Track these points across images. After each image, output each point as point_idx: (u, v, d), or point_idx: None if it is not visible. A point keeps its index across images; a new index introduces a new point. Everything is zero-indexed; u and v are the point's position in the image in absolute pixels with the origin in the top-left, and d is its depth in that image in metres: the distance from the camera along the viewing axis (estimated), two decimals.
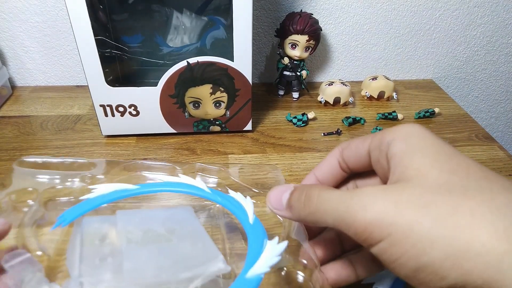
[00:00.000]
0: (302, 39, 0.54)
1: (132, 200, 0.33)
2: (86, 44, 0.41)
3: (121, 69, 0.51)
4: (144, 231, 0.28)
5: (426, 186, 0.19)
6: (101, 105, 0.46)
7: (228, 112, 0.49)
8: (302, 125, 0.54)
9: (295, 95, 0.61)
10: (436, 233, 0.17)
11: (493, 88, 0.76)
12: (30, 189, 0.30)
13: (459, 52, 0.69)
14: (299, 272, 0.27)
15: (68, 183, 0.31)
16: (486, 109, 0.79)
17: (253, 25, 0.43)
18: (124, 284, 0.23)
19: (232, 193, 0.30)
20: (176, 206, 0.34)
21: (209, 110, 0.48)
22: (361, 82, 0.64)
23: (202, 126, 0.50)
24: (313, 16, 0.56)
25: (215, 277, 0.25)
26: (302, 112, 0.55)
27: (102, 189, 0.28)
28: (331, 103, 0.58)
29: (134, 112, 0.47)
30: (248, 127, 0.51)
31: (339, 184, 0.28)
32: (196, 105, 0.47)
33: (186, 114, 0.48)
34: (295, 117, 0.54)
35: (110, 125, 0.48)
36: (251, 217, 0.27)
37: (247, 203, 0.29)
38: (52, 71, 0.62)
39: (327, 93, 0.58)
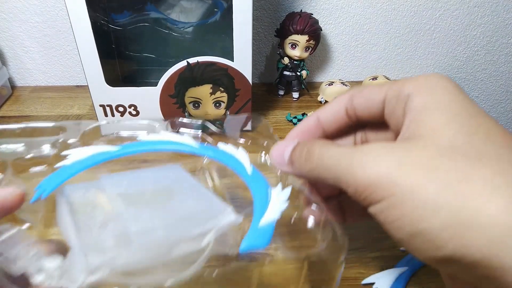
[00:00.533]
0: (302, 39, 0.54)
1: (111, 164, 0.30)
2: (86, 44, 0.41)
3: (121, 68, 0.51)
4: (138, 193, 0.25)
5: (437, 147, 0.17)
6: (101, 105, 0.46)
7: (228, 112, 0.49)
8: None
9: (295, 95, 0.61)
10: (439, 200, 0.15)
11: (493, 88, 0.75)
12: None
13: (459, 52, 0.69)
14: (311, 216, 0.25)
15: (37, 151, 0.28)
16: (486, 109, 0.79)
17: (253, 25, 0.43)
18: (133, 249, 0.21)
19: (222, 146, 0.28)
20: (163, 166, 0.31)
21: (209, 110, 0.48)
22: (361, 82, 0.64)
23: (203, 127, 0.50)
24: (313, 16, 0.56)
25: (226, 231, 0.24)
26: (302, 112, 0.54)
27: (78, 154, 0.25)
28: None
29: (134, 112, 0.47)
30: (248, 127, 0.51)
31: (347, 133, 0.26)
32: (196, 105, 0.47)
33: (186, 114, 0.48)
34: (295, 117, 0.54)
35: (110, 125, 0.48)
36: (248, 168, 0.26)
37: (241, 154, 0.27)
38: (52, 71, 0.62)
39: (327, 93, 0.58)
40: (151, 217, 0.23)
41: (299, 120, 0.54)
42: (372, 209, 0.18)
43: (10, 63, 0.61)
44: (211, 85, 0.46)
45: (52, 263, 0.20)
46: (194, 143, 0.27)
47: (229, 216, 0.24)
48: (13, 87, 0.61)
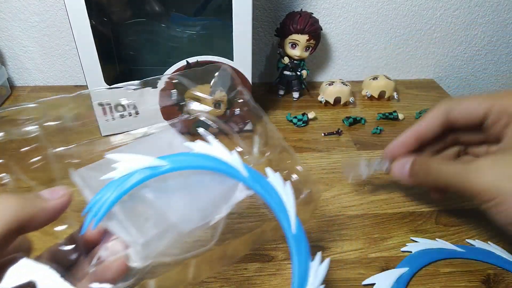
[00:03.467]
0: (302, 38, 0.54)
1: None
2: (85, 44, 0.41)
3: (120, 68, 0.51)
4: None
5: None
6: (100, 104, 0.46)
7: (228, 112, 0.48)
8: (303, 125, 0.54)
9: (295, 95, 0.61)
10: None
11: (494, 88, 0.75)
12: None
13: (460, 51, 0.69)
14: None
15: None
16: None
17: (253, 24, 0.43)
18: (176, 236, 0.23)
19: (271, 175, 0.26)
20: (158, 132, 0.32)
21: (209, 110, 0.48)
22: (361, 81, 0.64)
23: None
24: (313, 15, 0.56)
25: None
26: (302, 112, 0.54)
27: (126, 165, 0.23)
28: (332, 103, 0.58)
29: (133, 112, 0.47)
30: (248, 127, 0.51)
31: (437, 139, 0.34)
32: None
33: (186, 114, 0.48)
34: (295, 117, 0.54)
35: (109, 125, 0.47)
36: (293, 222, 0.24)
37: (288, 197, 0.25)
38: (51, 71, 0.62)
39: (327, 93, 0.58)
40: (184, 204, 0.25)
41: (299, 120, 0.53)
42: (484, 206, 0.27)
43: (9, 62, 0.61)
44: (211, 85, 0.46)
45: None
46: (244, 170, 0.25)
47: (243, 192, 0.26)
48: (12, 87, 0.61)
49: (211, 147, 0.26)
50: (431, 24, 0.65)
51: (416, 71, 0.70)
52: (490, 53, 0.70)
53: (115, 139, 0.32)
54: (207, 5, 0.49)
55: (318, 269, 0.24)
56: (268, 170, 0.26)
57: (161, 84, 0.45)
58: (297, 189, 0.27)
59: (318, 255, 0.24)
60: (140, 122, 0.48)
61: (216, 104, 0.48)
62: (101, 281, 0.21)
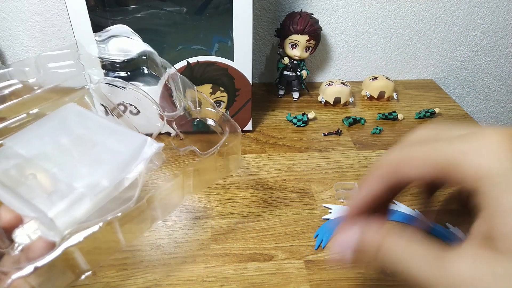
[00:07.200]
0: (302, 39, 0.54)
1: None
2: (86, 44, 0.41)
3: None
4: (57, 148, 0.26)
5: None
6: (101, 104, 0.46)
7: (228, 112, 0.49)
8: (302, 125, 0.54)
9: (295, 95, 0.61)
10: None
11: (494, 88, 0.75)
12: None
13: (460, 52, 0.69)
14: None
15: None
16: (486, 109, 0.79)
17: (253, 25, 0.43)
18: (89, 203, 0.24)
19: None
20: (58, 110, 0.31)
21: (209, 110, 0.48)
22: (361, 82, 0.64)
23: (202, 126, 0.50)
24: (313, 16, 0.56)
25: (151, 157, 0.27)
26: (302, 112, 0.54)
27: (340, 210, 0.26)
28: (331, 103, 0.58)
29: (134, 111, 0.47)
30: (248, 127, 0.51)
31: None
32: None
33: (186, 113, 0.48)
34: (295, 117, 0.54)
35: None
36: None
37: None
38: None
39: (327, 93, 0.58)
40: (88, 172, 0.26)
41: (299, 120, 0.54)
42: None
43: (9, 62, 0.61)
44: (211, 85, 0.46)
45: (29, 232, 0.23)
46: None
47: (152, 146, 0.27)
48: None
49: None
50: (431, 25, 0.65)
51: (415, 72, 0.71)
52: (489, 53, 0.70)
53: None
54: (207, 5, 0.50)
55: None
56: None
57: (162, 82, 0.45)
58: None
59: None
60: (141, 122, 0.48)
61: (217, 103, 0.48)
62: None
